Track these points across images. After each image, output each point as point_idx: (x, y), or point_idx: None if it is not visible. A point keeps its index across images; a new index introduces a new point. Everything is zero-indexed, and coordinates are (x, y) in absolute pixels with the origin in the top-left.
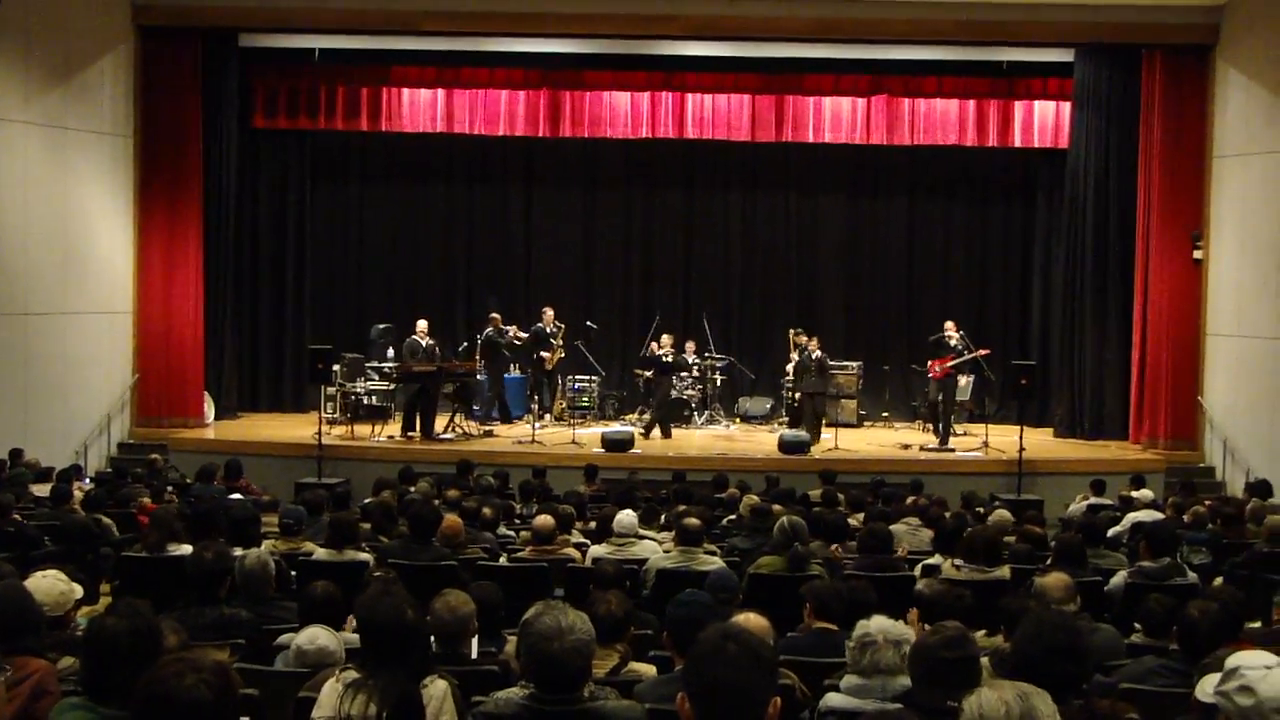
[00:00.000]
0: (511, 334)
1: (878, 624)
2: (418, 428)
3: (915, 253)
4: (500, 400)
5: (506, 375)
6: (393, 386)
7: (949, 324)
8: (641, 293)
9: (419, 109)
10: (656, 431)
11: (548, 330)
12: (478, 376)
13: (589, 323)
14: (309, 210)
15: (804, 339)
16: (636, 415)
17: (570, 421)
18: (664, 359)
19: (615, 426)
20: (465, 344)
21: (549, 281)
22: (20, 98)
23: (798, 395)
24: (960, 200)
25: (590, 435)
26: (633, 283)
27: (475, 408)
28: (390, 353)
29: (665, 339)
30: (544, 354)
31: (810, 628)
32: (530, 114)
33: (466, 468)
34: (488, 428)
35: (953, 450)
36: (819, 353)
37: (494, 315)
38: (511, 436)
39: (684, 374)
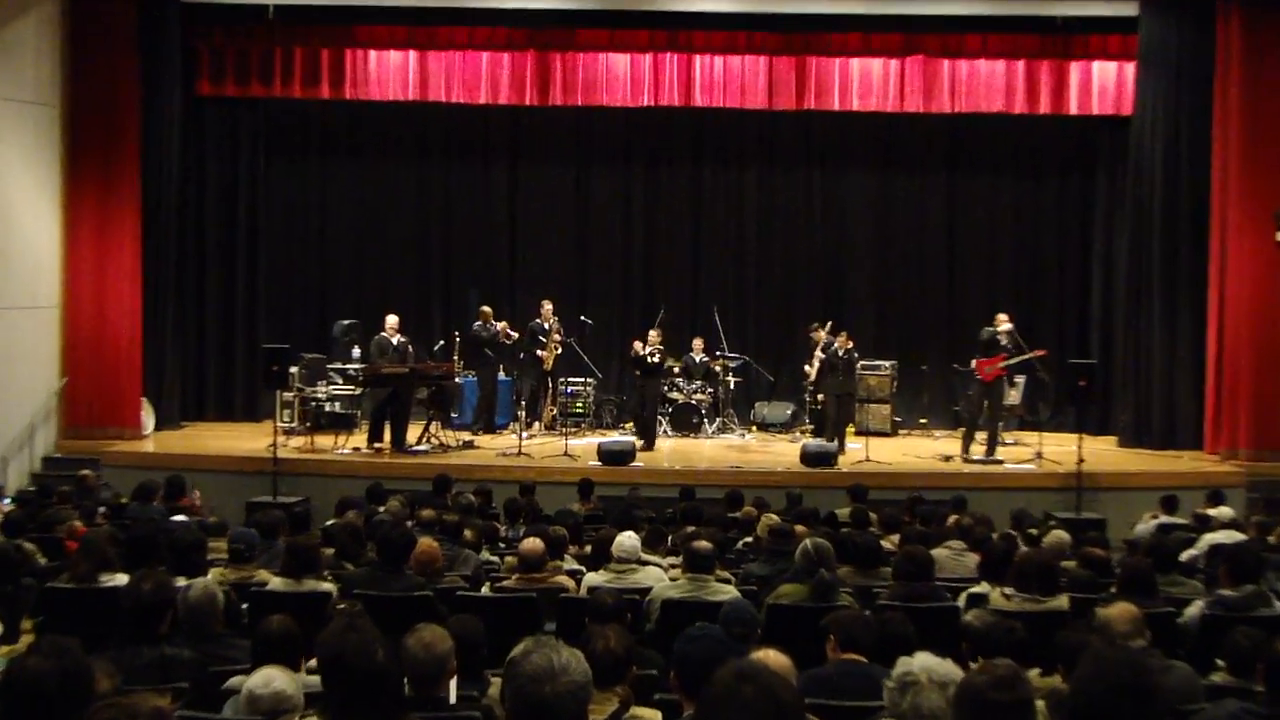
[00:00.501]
0: (501, 330)
1: (922, 662)
2: (387, 438)
3: (957, 236)
4: (487, 406)
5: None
6: (359, 391)
7: (1001, 317)
8: (643, 283)
9: (388, 74)
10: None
11: (545, 326)
12: (456, 379)
13: (583, 318)
14: (263, 191)
15: (823, 334)
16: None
17: (562, 430)
18: (649, 358)
19: (614, 436)
20: (442, 342)
21: (537, 271)
22: None
23: (820, 398)
24: (1008, 176)
25: (585, 446)
26: (633, 272)
27: (453, 415)
28: (356, 353)
29: (652, 335)
30: (541, 353)
31: (836, 660)
32: (516, 79)
33: (444, 484)
34: (467, 438)
35: (1001, 462)
36: (849, 346)
37: (484, 309)
38: (495, 448)
39: (688, 378)
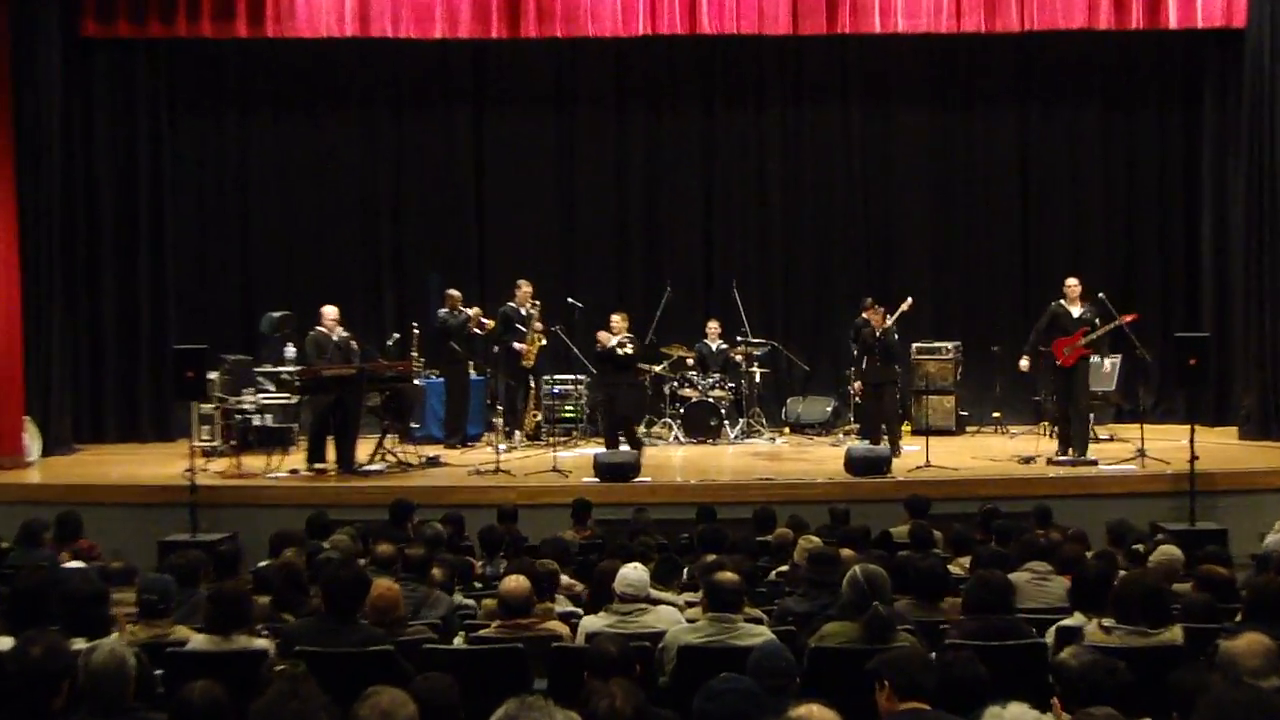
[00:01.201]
0: (472, 318)
1: (1015, 714)
2: (331, 457)
3: (1031, 185)
4: (455, 413)
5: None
6: (295, 400)
7: (1070, 282)
8: (644, 255)
9: (319, 6)
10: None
11: (522, 311)
12: (416, 381)
13: (571, 300)
14: (168, 155)
15: (872, 313)
16: (643, 427)
17: (549, 441)
18: (618, 350)
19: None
20: (396, 336)
21: (513, 244)
22: None
23: (858, 387)
24: (1092, 107)
25: (578, 459)
26: (631, 242)
27: (414, 426)
28: (290, 352)
29: (617, 320)
30: (518, 345)
31: (893, 711)
32: (479, 7)
33: (403, 512)
34: (432, 453)
35: (1095, 463)
36: (887, 322)
37: (450, 293)
38: (466, 464)
39: (703, 370)
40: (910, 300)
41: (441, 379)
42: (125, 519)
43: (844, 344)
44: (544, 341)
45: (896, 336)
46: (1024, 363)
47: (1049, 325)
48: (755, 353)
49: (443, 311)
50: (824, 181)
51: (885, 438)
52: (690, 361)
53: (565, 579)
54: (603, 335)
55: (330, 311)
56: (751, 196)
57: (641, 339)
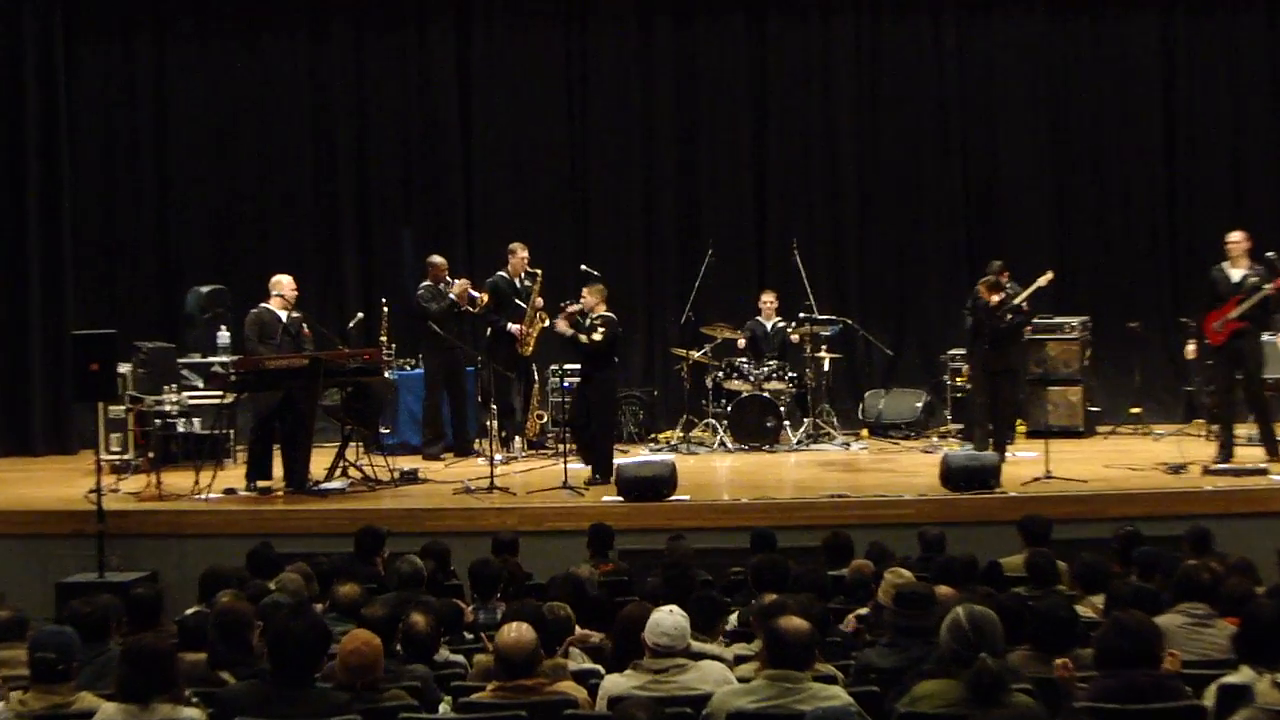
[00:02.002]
0: (459, 292)
1: None
2: (278, 473)
3: (1179, 109)
4: (435, 414)
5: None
6: (230, 399)
7: (1233, 237)
8: (677, 209)
9: None
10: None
11: (518, 283)
12: (388, 374)
13: (585, 268)
14: (65, 92)
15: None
16: (679, 431)
17: (558, 448)
18: (584, 336)
19: (641, 454)
20: (360, 315)
21: (508, 196)
22: None
23: (965, 373)
24: (1256, 10)
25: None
26: (660, 191)
27: (384, 431)
28: (224, 337)
29: (590, 295)
30: (513, 326)
31: None
32: None
33: (372, 542)
34: (408, 466)
35: (1264, 471)
36: (998, 298)
37: (434, 260)
38: (452, 480)
39: (755, 356)
40: (1050, 275)
41: (420, 370)
42: (12, 555)
43: (936, 321)
44: (547, 322)
45: (1023, 314)
46: (1190, 348)
47: (1209, 294)
48: (823, 333)
49: (424, 286)
50: (908, 113)
51: (993, 440)
52: (740, 345)
53: (580, 629)
54: (561, 323)
55: (286, 282)
56: (815, 131)
57: (676, 315)
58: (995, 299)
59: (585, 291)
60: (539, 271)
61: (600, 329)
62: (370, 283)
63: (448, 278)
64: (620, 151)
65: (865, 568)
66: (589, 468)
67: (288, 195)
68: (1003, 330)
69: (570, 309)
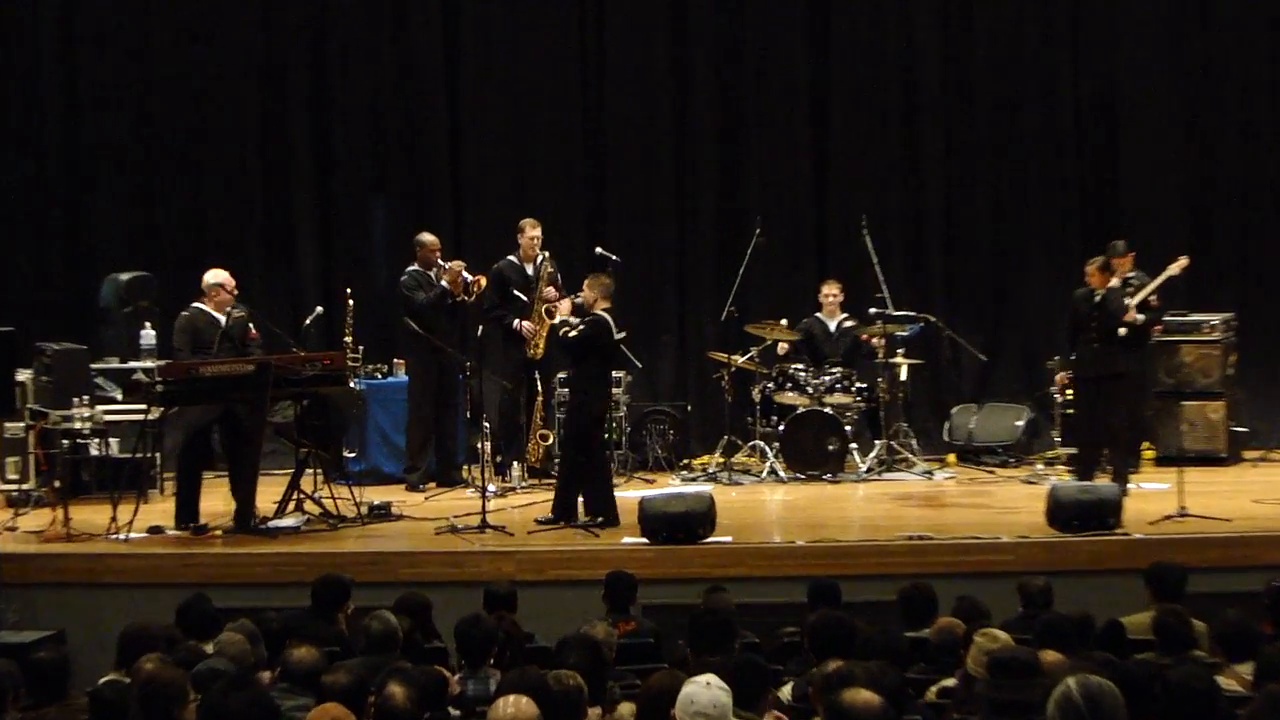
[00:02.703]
0: (450, 276)
1: None
2: (219, 506)
3: None
4: (423, 433)
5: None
6: (156, 414)
7: None
8: (718, 173)
9: None
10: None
11: (529, 269)
12: (354, 384)
13: (602, 250)
14: None
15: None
16: (719, 455)
17: None
18: (571, 333)
19: (672, 485)
20: (319, 310)
21: (507, 161)
22: None
23: (1062, 380)
24: None
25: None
26: (696, 150)
27: (348, 455)
28: (149, 336)
29: (590, 290)
30: (522, 324)
31: None
32: None
33: (334, 595)
34: (378, 501)
35: None
36: (1135, 278)
37: (423, 238)
38: (435, 516)
39: (814, 362)
40: (1185, 261)
41: (394, 379)
42: None
43: (1041, 318)
44: (556, 320)
45: (1152, 309)
46: None
47: None
48: (900, 333)
49: (411, 270)
50: (1004, 54)
51: (1111, 468)
52: (782, 350)
53: (594, 710)
54: (526, 324)
55: (223, 279)
56: (890, 78)
57: (714, 311)
58: (1106, 283)
59: (586, 284)
60: (549, 255)
61: (579, 327)
62: (332, 268)
63: (438, 258)
64: (646, 102)
65: (952, 628)
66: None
67: (227, 157)
68: (1115, 328)
69: (561, 305)
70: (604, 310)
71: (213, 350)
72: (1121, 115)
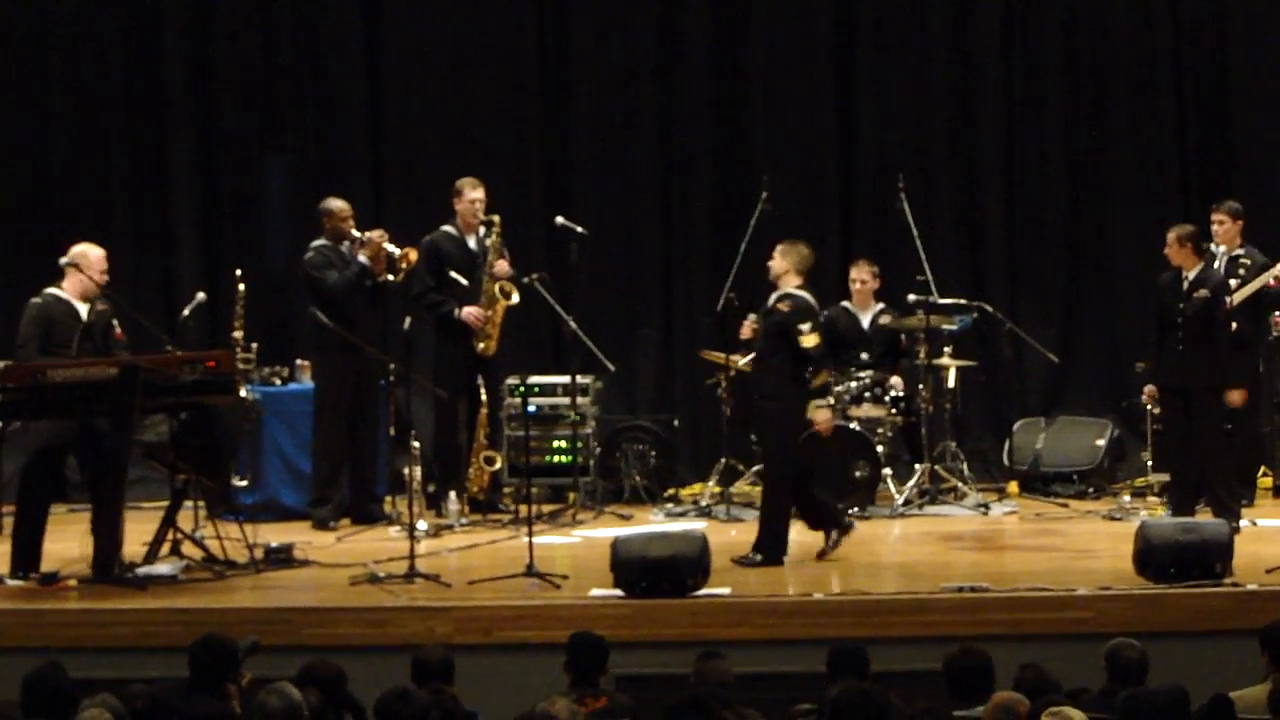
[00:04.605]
0: (371, 248)
1: None
2: (74, 550)
3: None
4: (335, 453)
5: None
6: None
7: None
8: (712, 123)
9: None
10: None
11: (470, 241)
12: (245, 391)
13: (562, 221)
14: None
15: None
16: (713, 484)
17: (514, 510)
18: (805, 330)
19: (654, 521)
20: (201, 297)
21: (440, 104)
22: None
23: (1150, 394)
24: None
25: (578, 547)
26: (685, 97)
27: (239, 483)
28: None
29: (785, 259)
30: (466, 312)
31: None
32: None
33: (220, 661)
34: (276, 544)
35: None
36: (1243, 255)
37: (331, 205)
38: (347, 562)
39: (839, 364)
40: None
41: (299, 385)
42: None
43: (1129, 310)
44: (514, 299)
45: (1271, 292)
46: None
47: None
48: (947, 328)
49: (317, 245)
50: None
51: (1214, 500)
52: (811, 344)
53: None
54: (471, 312)
55: (93, 257)
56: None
57: (709, 299)
58: (1195, 262)
59: (778, 251)
60: (497, 219)
61: (776, 309)
62: (216, 245)
63: (354, 232)
64: (621, 30)
65: (1013, 705)
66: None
67: (85, 106)
68: (1212, 324)
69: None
70: (798, 288)
71: (71, 351)
72: (1234, 53)
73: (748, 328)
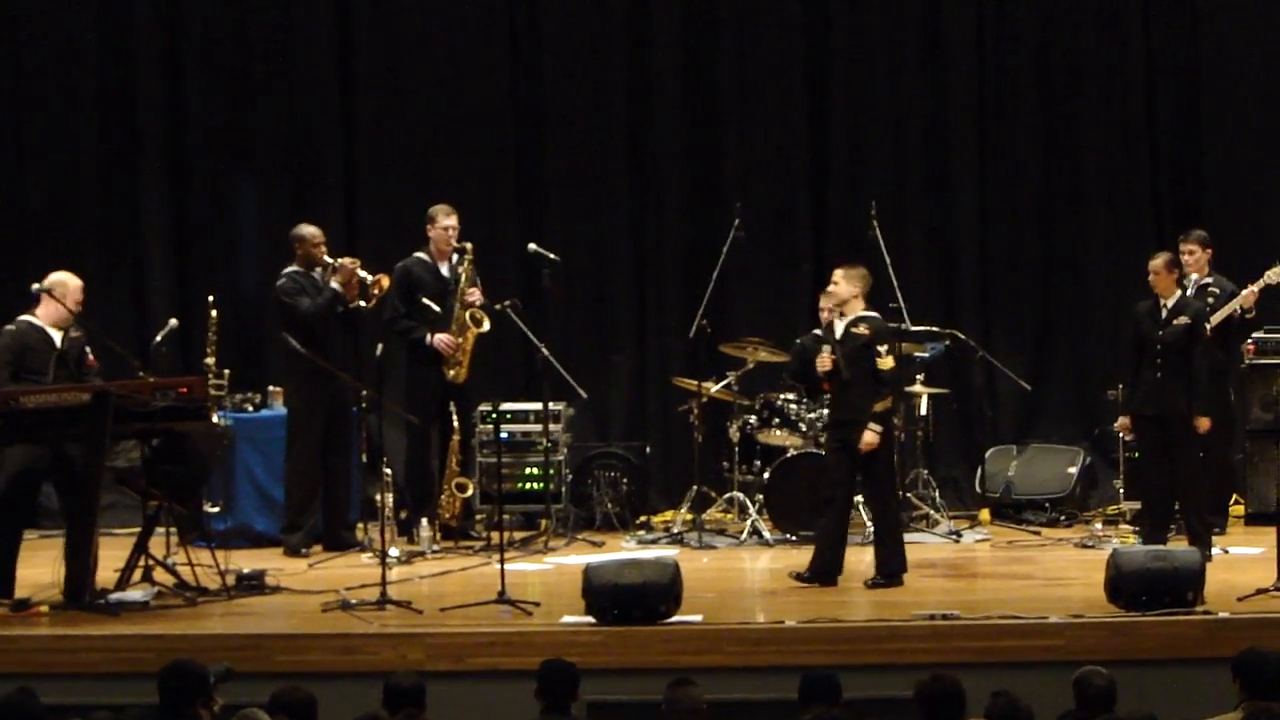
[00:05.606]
0: (344, 276)
1: None
2: (45, 576)
3: None
4: (307, 479)
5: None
6: None
7: None
8: (686, 148)
9: None
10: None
11: (443, 268)
12: (217, 418)
13: (535, 248)
14: None
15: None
16: (685, 511)
17: (486, 537)
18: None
19: (625, 549)
20: (173, 323)
21: (413, 129)
22: None
23: (1124, 424)
24: None
25: (551, 576)
26: (658, 119)
27: (211, 509)
28: None
29: (850, 284)
30: (438, 339)
31: None
32: None
33: (189, 687)
34: (248, 570)
35: None
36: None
37: (303, 231)
38: (319, 588)
39: (809, 388)
40: None
41: (271, 411)
42: None
43: (1102, 337)
44: (485, 327)
45: (1247, 322)
46: None
47: None
48: (918, 354)
49: (289, 271)
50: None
51: (1190, 528)
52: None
53: None
54: (442, 340)
55: (71, 286)
56: (905, 23)
57: (681, 325)
58: (1165, 285)
59: (839, 275)
60: (469, 246)
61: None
62: (188, 271)
63: (326, 258)
64: (594, 58)
65: None
66: None
67: (56, 131)
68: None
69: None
70: (864, 310)
71: (47, 378)
72: (1207, 69)
73: (827, 359)
